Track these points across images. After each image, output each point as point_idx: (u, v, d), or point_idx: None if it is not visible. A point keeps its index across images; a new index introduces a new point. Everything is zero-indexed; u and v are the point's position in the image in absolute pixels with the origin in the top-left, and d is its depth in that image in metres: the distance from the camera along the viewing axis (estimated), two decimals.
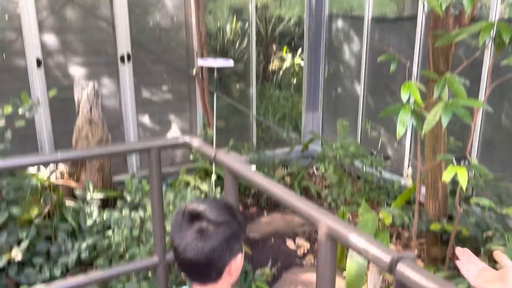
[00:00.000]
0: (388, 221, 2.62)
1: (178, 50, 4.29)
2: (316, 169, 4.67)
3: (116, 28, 3.87)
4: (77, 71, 3.83)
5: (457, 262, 1.25)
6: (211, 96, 3.77)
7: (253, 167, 1.83)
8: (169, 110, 4.35)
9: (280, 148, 5.21)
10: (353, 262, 2.50)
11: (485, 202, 1.83)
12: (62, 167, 3.04)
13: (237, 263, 1.18)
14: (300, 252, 3.33)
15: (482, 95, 3.35)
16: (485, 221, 2.60)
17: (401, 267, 1.10)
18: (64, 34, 3.76)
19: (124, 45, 3.92)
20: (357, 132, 4.64)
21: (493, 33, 1.96)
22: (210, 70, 4.00)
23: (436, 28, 2.49)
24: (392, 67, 2.07)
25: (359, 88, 4.54)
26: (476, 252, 2.70)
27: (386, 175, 4.12)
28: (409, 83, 1.82)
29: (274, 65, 7.49)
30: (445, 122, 1.79)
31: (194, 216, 1.12)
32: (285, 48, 7.57)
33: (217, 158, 1.97)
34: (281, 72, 7.34)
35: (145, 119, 4.25)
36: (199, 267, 1.15)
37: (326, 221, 1.35)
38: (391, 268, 1.12)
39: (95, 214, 2.64)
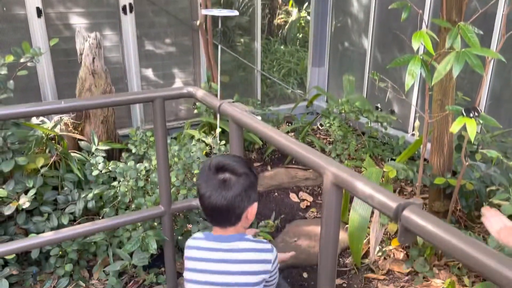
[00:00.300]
0: (392, 174, 2.62)
1: (181, 1, 4.15)
2: (321, 125, 4.65)
3: None
4: (78, 21, 3.73)
5: (482, 219, 1.29)
6: (215, 49, 3.69)
7: (259, 117, 1.81)
8: (172, 63, 4.28)
9: (285, 104, 5.17)
10: (355, 214, 2.53)
11: (493, 154, 1.82)
12: (66, 119, 3.03)
13: (253, 210, 1.35)
14: (303, 205, 3.38)
15: (494, 47, 3.25)
16: (489, 175, 2.60)
17: (407, 213, 1.10)
18: None
19: None
20: (363, 88, 4.57)
21: None
22: (214, 22, 3.89)
23: None
24: (404, 15, 1.99)
25: (367, 42, 4.42)
26: (479, 206, 2.72)
27: (391, 131, 4.10)
28: (421, 32, 1.75)
29: (279, 19, 7.29)
30: (456, 72, 1.74)
31: (219, 168, 1.30)
32: (290, 2, 7.34)
33: (222, 109, 1.94)
34: (286, 26, 7.15)
35: (149, 72, 4.19)
36: (221, 212, 1.30)
37: (332, 169, 1.34)
38: (397, 214, 1.13)
39: (100, 165, 2.65)
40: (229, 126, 1.90)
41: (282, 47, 6.66)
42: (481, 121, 1.74)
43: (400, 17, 2.08)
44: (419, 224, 1.06)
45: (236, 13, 2.95)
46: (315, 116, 4.58)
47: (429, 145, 2.82)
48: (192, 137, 3.27)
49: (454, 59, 1.75)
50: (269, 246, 1.40)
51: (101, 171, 2.65)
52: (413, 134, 2.51)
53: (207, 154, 2.84)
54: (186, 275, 1.39)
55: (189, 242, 1.42)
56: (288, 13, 7.42)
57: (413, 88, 3.90)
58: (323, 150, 4.20)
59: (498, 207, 2.17)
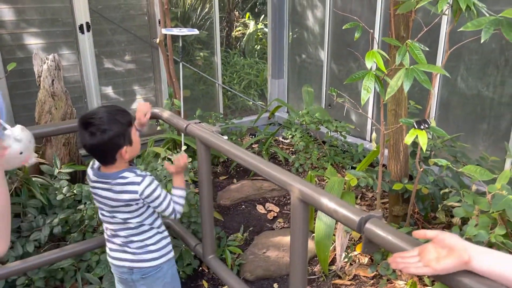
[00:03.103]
0: (354, 183, 2.74)
1: (139, 18, 4.16)
2: (283, 137, 4.76)
3: None
4: (33, 41, 3.66)
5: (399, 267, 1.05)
6: (176, 65, 3.72)
7: (225, 137, 1.87)
8: (133, 80, 4.27)
9: (247, 116, 5.26)
10: (321, 223, 2.63)
11: (443, 162, 1.96)
12: None
13: (126, 151, 1.64)
14: (270, 216, 3.45)
15: (439, 61, 3.49)
16: (442, 179, 2.77)
17: (370, 226, 1.19)
18: (16, 2, 3.56)
19: (82, 14, 3.77)
20: (321, 98, 4.73)
21: (451, 0, 2.03)
22: (174, 38, 3.92)
23: None
24: (357, 35, 2.12)
25: (323, 54, 4.59)
26: (435, 208, 2.90)
27: (350, 139, 4.27)
28: (373, 51, 1.88)
29: (237, 31, 7.40)
30: (406, 87, 1.88)
31: (86, 124, 1.59)
32: (247, 14, 7.47)
33: (188, 130, 1.99)
34: (244, 39, 7.26)
35: (109, 90, 4.15)
36: (96, 155, 1.68)
37: (298, 186, 1.42)
38: (360, 227, 1.22)
39: (65, 189, 2.61)
40: (197, 146, 1.95)
41: (241, 59, 6.77)
42: (431, 132, 1.88)
43: (354, 31, 2.21)
44: (380, 236, 1.15)
45: (196, 32, 3.01)
46: (278, 127, 4.69)
47: (387, 152, 2.99)
48: (157, 154, 3.28)
49: (404, 75, 1.88)
50: (138, 179, 1.66)
51: (65, 195, 2.61)
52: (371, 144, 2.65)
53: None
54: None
55: (88, 170, 1.78)
56: (245, 26, 7.55)
57: (369, 99, 4.09)
58: (286, 161, 4.31)
59: (452, 208, 2.33)
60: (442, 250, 0.94)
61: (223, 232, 2.96)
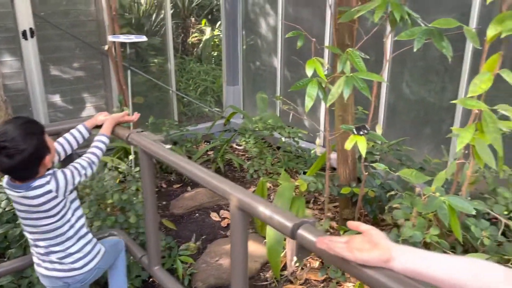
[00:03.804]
0: (304, 188, 2.78)
1: (89, 24, 4.06)
2: (238, 144, 4.77)
3: (14, 0, 3.56)
4: None
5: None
6: (126, 72, 3.65)
7: (168, 146, 1.85)
8: (82, 88, 4.15)
9: (203, 123, 5.22)
10: (271, 229, 2.64)
11: (381, 166, 2.03)
12: None
13: (47, 159, 1.60)
14: (224, 223, 3.44)
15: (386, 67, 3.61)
16: (388, 182, 2.87)
17: (302, 232, 1.21)
18: None
19: (25, 20, 3.63)
20: (276, 105, 4.78)
21: (388, 10, 2.11)
22: (124, 45, 3.85)
23: (341, 4, 2.62)
24: (299, 43, 2.16)
25: (277, 62, 4.65)
26: (383, 210, 2.98)
27: (304, 144, 4.34)
28: (313, 60, 1.92)
29: (194, 38, 7.37)
30: (346, 95, 1.93)
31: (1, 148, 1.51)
32: (203, 21, 7.46)
33: (130, 139, 1.95)
34: (201, 45, 7.24)
35: (56, 98, 4.01)
36: (17, 174, 1.59)
37: (236, 194, 1.42)
38: (293, 233, 1.23)
39: (3, 203, 2.49)
40: (139, 156, 1.91)
41: (197, 65, 6.74)
42: (371, 138, 1.94)
43: (306, 38, 2.26)
44: (312, 242, 1.17)
45: (144, 38, 2.97)
46: (233, 134, 4.69)
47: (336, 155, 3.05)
48: (105, 164, 3.19)
49: (344, 83, 1.94)
50: (47, 178, 1.62)
51: (4, 209, 2.49)
52: (317, 149, 2.70)
53: (121, 182, 2.80)
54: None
55: (3, 183, 1.69)
56: (201, 32, 7.53)
57: (321, 104, 4.17)
58: (241, 167, 4.31)
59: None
60: (368, 244, 0.99)
61: (174, 242, 2.91)
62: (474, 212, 1.62)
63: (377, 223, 3.13)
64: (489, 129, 1.54)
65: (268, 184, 3.92)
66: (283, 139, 4.14)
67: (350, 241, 1.02)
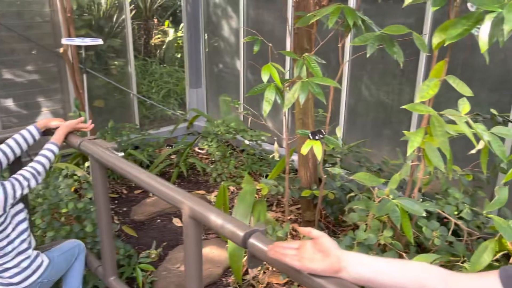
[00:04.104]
0: (265, 191, 2.79)
1: (43, 26, 3.91)
2: (200, 147, 4.73)
3: None
4: None
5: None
6: (83, 76, 3.55)
7: (121, 154, 1.81)
8: (37, 92, 4.00)
9: (166, 126, 5.15)
10: None
11: (336, 170, 2.06)
12: None
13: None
14: None
15: (346, 70, 3.67)
16: (347, 184, 2.91)
17: (253, 240, 1.20)
18: None
19: None
20: (240, 107, 4.77)
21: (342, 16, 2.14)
22: (80, 47, 3.74)
23: (299, 9, 2.64)
24: (256, 48, 2.16)
25: (240, 64, 4.64)
26: (342, 211, 3.03)
27: (268, 147, 4.35)
28: (268, 65, 1.93)
29: (157, 39, 7.25)
30: (302, 99, 1.94)
31: None
32: (166, 22, 7.36)
33: (82, 146, 1.89)
34: (164, 47, 7.14)
35: (9, 102, 3.85)
36: None
37: (188, 203, 1.40)
38: (244, 242, 1.22)
39: None
40: (90, 164, 1.86)
41: (160, 67, 6.63)
42: (327, 142, 1.96)
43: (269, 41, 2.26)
44: (262, 250, 1.17)
45: (100, 42, 2.89)
46: (196, 137, 4.65)
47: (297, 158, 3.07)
48: (61, 171, 3.09)
49: (299, 88, 1.95)
50: None
51: None
52: (274, 156, 2.71)
53: (76, 190, 2.71)
54: None
55: None
56: (165, 33, 7.43)
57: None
58: (204, 171, 4.28)
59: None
60: (318, 253, 0.99)
61: (134, 250, 2.85)
62: (424, 214, 1.67)
63: (338, 224, 3.18)
64: (437, 133, 1.58)
65: (232, 188, 3.90)
66: (246, 142, 4.13)
67: (301, 248, 1.02)
